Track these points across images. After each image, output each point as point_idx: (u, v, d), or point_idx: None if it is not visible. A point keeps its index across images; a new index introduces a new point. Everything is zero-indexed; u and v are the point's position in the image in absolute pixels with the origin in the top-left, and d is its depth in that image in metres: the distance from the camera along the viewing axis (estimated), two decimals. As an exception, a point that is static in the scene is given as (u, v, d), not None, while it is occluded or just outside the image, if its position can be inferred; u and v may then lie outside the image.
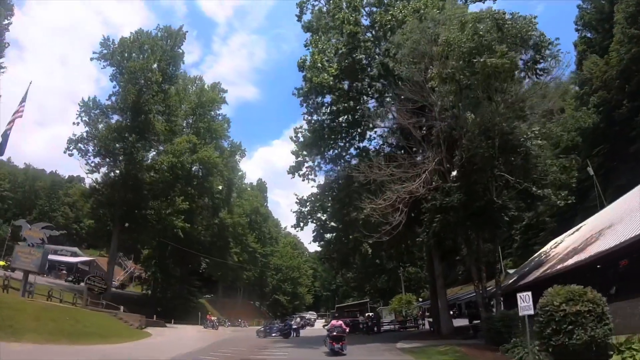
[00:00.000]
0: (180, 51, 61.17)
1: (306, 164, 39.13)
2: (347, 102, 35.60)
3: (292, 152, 39.73)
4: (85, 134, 53.45)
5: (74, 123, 53.78)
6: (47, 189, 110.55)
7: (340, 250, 37.68)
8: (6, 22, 48.86)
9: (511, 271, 51.29)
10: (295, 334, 42.31)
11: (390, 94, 34.66)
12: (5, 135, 29.43)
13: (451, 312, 68.54)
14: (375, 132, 39.48)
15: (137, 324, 36.90)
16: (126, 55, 55.74)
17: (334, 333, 22.99)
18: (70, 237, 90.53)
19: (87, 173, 54.64)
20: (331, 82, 34.22)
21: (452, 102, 24.34)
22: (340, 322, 24.96)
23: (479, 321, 48.54)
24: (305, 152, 38.56)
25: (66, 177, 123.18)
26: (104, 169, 55.28)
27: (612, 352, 14.16)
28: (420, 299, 70.19)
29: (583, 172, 40.67)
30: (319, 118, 37.40)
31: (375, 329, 44.55)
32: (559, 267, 24.02)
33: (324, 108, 38.13)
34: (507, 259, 76.02)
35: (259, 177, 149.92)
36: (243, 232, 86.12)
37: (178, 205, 58.45)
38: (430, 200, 25.50)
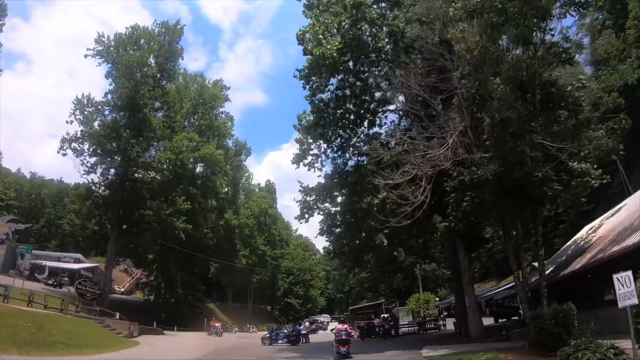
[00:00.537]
0: (179, 47, 57.22)
1: (311, 152, 34.50)
2: (354, 83, 31.41)
3: (296, 140, 35.21)
4: (79, 133, 49.33)
5: (67, 121, 49.70)
6: (53, 196, 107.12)
7: (351, 245, 32.68)
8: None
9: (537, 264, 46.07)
10: (304, 340, 37.47)
11: (401, 66, 29.82)
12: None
13: (471, 311, 64.33)
14: (386, 116, 34.79)
15: (126, 332, 32.72)
16: (121, 50, 51.73)
17: (340, 337, 23.32)
18: (77, 244, 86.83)
19: (83, 174, 50.46)
20: (334, 55, 29.57)
21: (478, 55, 19.35)
22: (345, 326, 25.16)
23: (505, 319, 43.99)
24: (309, 137, 33.95)
25: (72, 185, 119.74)
26: (100, 169, 51.10)
27: None
28: (438, 298, 64.91)
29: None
30: (323, 96, 32.64)
31: (393, 332, 39.67)
32: (614, 249, 19.51)
33: (328, 93, 33.41)
34: (525, 253, 71.00)
35: (267, 179, 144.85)
36: (251, 233, 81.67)
37: (179, 206, 54.21)
38: (457, 177, 20.70)
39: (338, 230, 32.89)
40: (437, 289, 73.38)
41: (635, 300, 11.49)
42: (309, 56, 31.73)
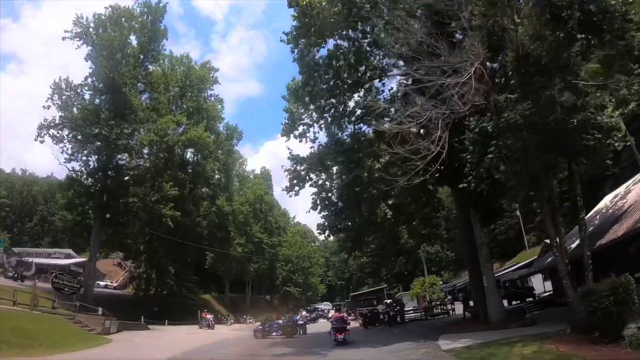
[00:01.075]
0: (162, 27, 52.53)
1: (302, 122, 30.26)
2: (347, 52, 27.49)
3: (285, 110, 31.01)
4: (58, 119, 44.92)
5: (44, 107, 45.24)
6: (45, 193, 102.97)
7: (350, 223, 28.27)
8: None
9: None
10: (300, 332, 33.26)
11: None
12: None
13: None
14: (384, 83, 30.28)
15: (99, 328, 28.79)
16: (101, 31, 47.20)
17: (337, 325, 23.38)
18: (70, 240, 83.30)
19: (64, 162, 46.01)
20: (324, 3, 25.34)
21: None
22: (341, 314, 25.39)
23: (518, 301, 40.00)
24: (299, 105, 29.78)
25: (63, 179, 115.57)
26: (82, 157, 46.67)
27: None
28: (441, 282, 60.85)
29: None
30: (315, 55, 28.31)
31: (399, 318, 35.66)
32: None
33: (318, 55, 29.07)
34: (529, 234, 67.52)
35: (262, 166, 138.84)
36: (246, 221, 77.41)
37: (166, 192, 49.96)
38: (476, 126, 16.52)
39: (334, 205, 28.41)
40: (441, 271, 69.40)
41: None
42: (295, 10, 27.63)
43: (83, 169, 46.45)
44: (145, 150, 52.69)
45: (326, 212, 28.27)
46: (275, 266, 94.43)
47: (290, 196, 29.27)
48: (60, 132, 45.20)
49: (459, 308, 35.22)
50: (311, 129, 30.08)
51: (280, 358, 20.29)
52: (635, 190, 25.72)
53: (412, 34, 20.29)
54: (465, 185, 18.00)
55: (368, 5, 26.60)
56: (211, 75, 66.31)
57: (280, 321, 34.44)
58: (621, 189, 30.01)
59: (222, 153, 66.29)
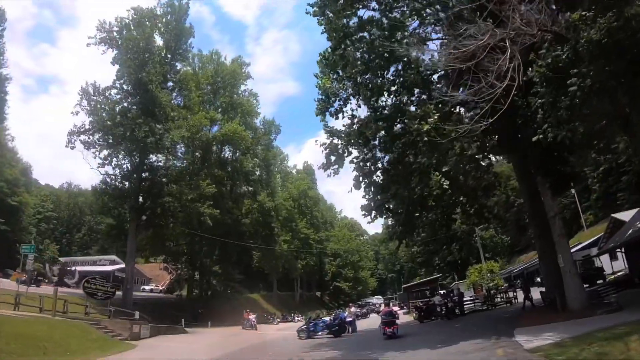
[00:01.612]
0: (187, 25, 50.22)
1: (337, 97, 26.53)
2: (380, 24, 23.32)
3: (317, 86, 27.32)
4: (88, 124, 43.07)
5: (72, 113, 43.53)
6: (90, 204, 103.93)
7: (398, 202, 24.05)
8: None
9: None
10: (349, 330, 29.35)
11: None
12: None
13: (538, 280, 54.63)
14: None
15: (126, 333, 25.97)
16: (125, 32, 45.20)
17: (386, 319, 22.78)
18: (110, 246, 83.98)
19: (98, 166, 44.14)
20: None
21: None
22: (390, 308, 24.93)
23: (587, 285, 34.78)
24: (332, 75, 26.09)
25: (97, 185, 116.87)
26: (115, 161, 44.77)
27: None
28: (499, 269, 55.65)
29: None
30: (344, 22, 24.47)
31: (457, 310, 31.37)
32: None
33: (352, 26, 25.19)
34: (585, 213, 61.51)
35: (305, 161, 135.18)
36: (291, 216, 74.35)
37: (203, 190, 47.39)
38: (547, 56, 12.40)
39: (379, 182, 24.30)
40: (496, 258, 64.03)
41: None
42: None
43: (117, 172, 44.59)
44: (180, 149, 50.77)
45: (371, 190, 24.10)
46: (323, 262, 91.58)
47: (328, 175, 25.50)
48: (91, 137, 43.31)
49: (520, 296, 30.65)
50: (348, 105, 26.31)
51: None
52: None
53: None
54: (541, 135, 13.82)
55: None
56: (243, 70, 63.82)
57: (327, 319, 30.74)
58: None
59: (261, 149, 63.76)
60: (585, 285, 33.99)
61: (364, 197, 25.47)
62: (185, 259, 52.00)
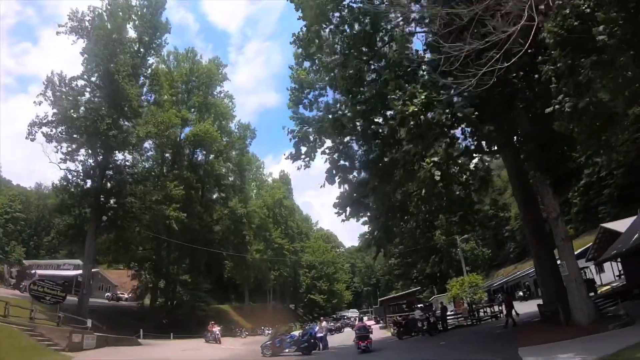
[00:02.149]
0: (163, 20, 46.96)
1: (312, 87, 23.57)
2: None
3: (291, 77, 24.38)
4: (51, 115, 39.23)
5: (34, 102, 39.61)
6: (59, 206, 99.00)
7: (378, 199, 20.71)
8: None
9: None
10: (321, 346, 26.01)
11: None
12: None
13: (520, 294, 52.28)
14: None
15: (64, 343, 22.21)
16: (97, 21, 41.77)
17: (360, 334, 22.53)
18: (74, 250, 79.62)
19: (59, 162, 40.21)
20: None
21: None
22: (364, 323, 25.26)
23: (593, 294, 32.02)
24: (310, 67, 23.14)
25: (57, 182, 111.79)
26: (77, 155, 40.92)
27: None
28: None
29: None
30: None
31: (440, 326, 28.33)
32: None
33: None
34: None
35: (281, 170, 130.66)
36: (265, 225, 70.61)
37: (170, 191, 43.80)
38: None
39: (356, 173, 21.14)
40: (476, 271, 61.58)
41: None
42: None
43: (80, 168, 40.77)
44: (150, 150, 47.56)
45: (346, 185, 20.83)
46: (298, 273, 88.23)
47: (298, 168, 22.59)
48: (54, 129, 39.49)
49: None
50: (324, 98, 23.32)
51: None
52: None
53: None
54: (558, 105, 11.03)
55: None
56: (220, 71, 60.34)
57: (296, 334, 27.19)
58: None
59: (235, 154, 60.42)
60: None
61: (338, 199, 22.36)
62: (149, 265, 47.89)
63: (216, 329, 37.30)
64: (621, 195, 51.35)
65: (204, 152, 55.53)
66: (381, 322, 52.18)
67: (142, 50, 44.52)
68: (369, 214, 23.19)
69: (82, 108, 39.06)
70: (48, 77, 39.96)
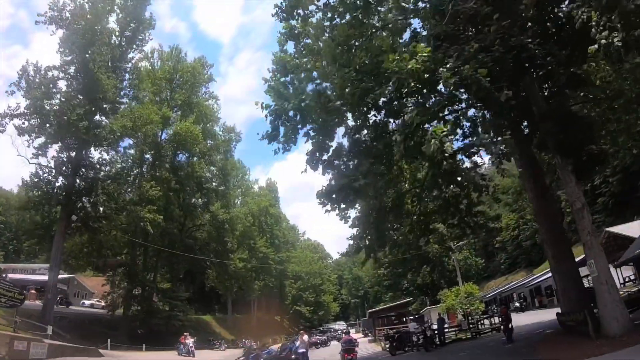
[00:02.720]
0: (147, 15, 44.18)
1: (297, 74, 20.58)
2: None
3: (273, 61, 21.36)
4: (24, 107, 36.12)
5: (6, 92, 37.10)
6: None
7: (371, 187, 17.36)
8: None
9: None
10: (301, 362, 22.73)
11: None
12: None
13: (517, 304, 49.54)
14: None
15: (4, 351, 19.17)
16: (78, 10, 38.98)
17: (345, 347, 22.08)
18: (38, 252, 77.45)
19: (30, 158, 36.93)
20: None
21: None
22: (350, 337, 24.08)
23: (592, 305, 29.10)
24: (295, 50, 20.41)
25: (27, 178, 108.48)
26: (50, 150, 37.81)
27: None
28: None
29: None
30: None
31: (438, 340, 25.30)
32: None
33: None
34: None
35: (268, 177, 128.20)
36: (248, 232, 67.26)
37: (145, 191, 40.64)
38: None
39: (345, 153, 18.02)
40: (468, 281, 58.99)
41: None
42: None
43: (52, 164, 37.58)
44: (130, 148, 44.65)
45: (333, 173, 17.75)
46: (283, 284, 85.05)
47: (275, 152, 19.05)
48: (26, 121, 36.42)
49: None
50: (310, 85, 20.23)
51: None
52: None
53: None
54: (604, 40, 8.43)
55: None
56: (205, 71, 57.37)
57: (275, 348, 23.92)
58: None
59: (220, 159, 57.32)
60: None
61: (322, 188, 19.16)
62: (124, 270, 44.40)
63: (189, 341, 33.97)
64: (616, 204, 50.78)
65: (187, 154, 52.57)
66: (370, 335, 49.16)
67: (123, 43, 41.74)
68: (358, 207, 20.22)
69: (56, 99, 36.19)
70: (23, 67, 37.03)
